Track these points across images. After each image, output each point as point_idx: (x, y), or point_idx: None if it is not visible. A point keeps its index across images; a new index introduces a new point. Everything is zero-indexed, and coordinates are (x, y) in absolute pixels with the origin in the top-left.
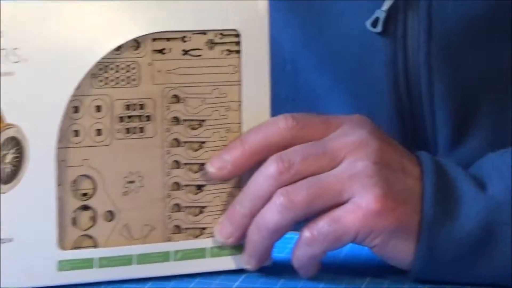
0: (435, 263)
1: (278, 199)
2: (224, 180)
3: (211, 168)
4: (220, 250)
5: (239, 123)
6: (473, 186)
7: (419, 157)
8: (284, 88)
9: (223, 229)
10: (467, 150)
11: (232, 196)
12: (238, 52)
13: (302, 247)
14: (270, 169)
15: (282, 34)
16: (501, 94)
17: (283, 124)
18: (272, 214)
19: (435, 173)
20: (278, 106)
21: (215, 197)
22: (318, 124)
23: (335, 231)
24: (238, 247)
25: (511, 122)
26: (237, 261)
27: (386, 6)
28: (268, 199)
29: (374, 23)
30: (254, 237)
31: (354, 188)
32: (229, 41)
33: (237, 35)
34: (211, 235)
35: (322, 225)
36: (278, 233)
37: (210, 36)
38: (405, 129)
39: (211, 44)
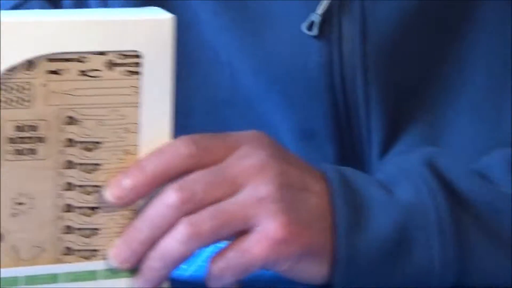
0: (355, 273)
1: (183, 230)
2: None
3: (110, 197)
4: (111, 273)
5: (137, 145)
6: (381, 192)
7: (323, 170)
8: (221, 92)
9: (119, 254)
10: (401, 151)
11: (127, 218)
12: (139, 73)
13: (213, 280)
14: (171, 198)
15: (219, 38)
16: (433, 94)
17: (183, 150)
18: (177, 245)
19: (342, 185)
20: (214, 110)
21: (109, 219)
22: (218, 146)
23: (243, 263)
24: (130, 270)
25: (442, 123)
26: (130, 284)
27: (321, 9)
28: (166, 227)
29: (310, 26)
30: (155, 265)
31: (259, 215)
32: (130, 62)
33: (139, 56)
34: (104, 258)
35: (230, 257)
36: (181, 262)
37: (110, 56)
38: (340, 131)
39: (111, 65)
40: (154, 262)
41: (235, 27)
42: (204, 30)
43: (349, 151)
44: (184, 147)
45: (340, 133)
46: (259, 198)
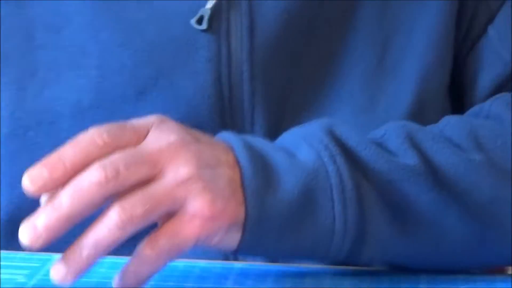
0: (262, 233)
1: (115, 216)
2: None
3: (30, 186)
4: None
5: None
6: (284, 155)
7: (227, 141)
8: (87, 95)
9: (31, 231)
10: None
11: None
12: None
13: (146, 265)
14: (95, 176)
15: (91, 39)
16: (316, 89)
17: (99, 140)
18: (110, 231)
19: (245, 150)
20: (79, 115)
21: None
22: (129, 133)
23: (177, 245)
24: None
25: (324, 116)
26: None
27: (210, 4)
28: (93, 206)
29: (199, 21)
30: (87, 252)
31: (185, 196)
32: None
33: None
34: None
35: (162, 242)
36: (112, 248)
37: None
38: (224, 125)
39: None
40: (86, 249)
41: (115, 26)
42: (77, 32)
43: None
44: (97, 136)
45: (224, 128)
46: (181, 180)
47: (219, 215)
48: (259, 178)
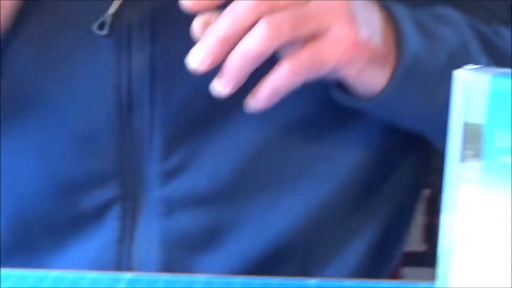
0: (409, 80)
1: (263, 28)
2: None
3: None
4: None
5: None
6: (433, 20)
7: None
8: None
9: (197, 55)
10: (181, 159)
11: None
12: None
13: (280, 79)
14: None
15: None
16: (218, 100)
17: None
18: (257, 42)
19: (402, 9)
20: None
21: None
22: None
23: (316, 64)
24: None
25: (235, 136)
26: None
27: (112, 9)
28: (246, 26)
29: (101, 26)
30: (236, 62)
31: (333, 21)
32: None
33: None
34: None
35: (303, 58)
36: (259, 60)
37: None
38: (122, 133)
39: None
40: (235, 60)
41: (18, 26)
42: None
43: (130, 154)
44: None
45: (122, 136)
46: (333, 5)
47: (362, 45)
48: (416, 31)
